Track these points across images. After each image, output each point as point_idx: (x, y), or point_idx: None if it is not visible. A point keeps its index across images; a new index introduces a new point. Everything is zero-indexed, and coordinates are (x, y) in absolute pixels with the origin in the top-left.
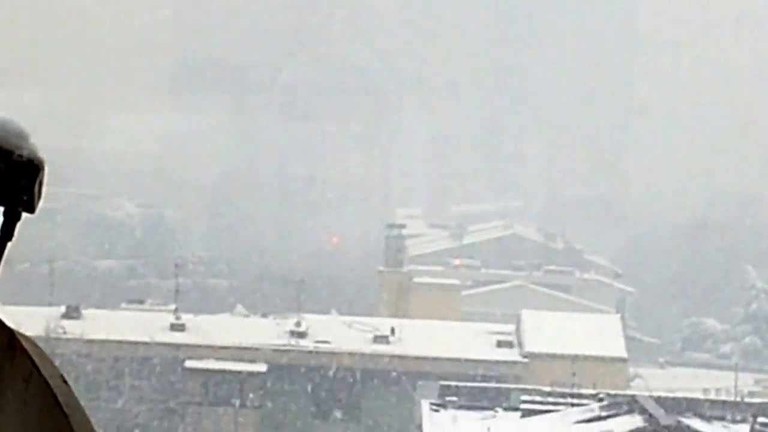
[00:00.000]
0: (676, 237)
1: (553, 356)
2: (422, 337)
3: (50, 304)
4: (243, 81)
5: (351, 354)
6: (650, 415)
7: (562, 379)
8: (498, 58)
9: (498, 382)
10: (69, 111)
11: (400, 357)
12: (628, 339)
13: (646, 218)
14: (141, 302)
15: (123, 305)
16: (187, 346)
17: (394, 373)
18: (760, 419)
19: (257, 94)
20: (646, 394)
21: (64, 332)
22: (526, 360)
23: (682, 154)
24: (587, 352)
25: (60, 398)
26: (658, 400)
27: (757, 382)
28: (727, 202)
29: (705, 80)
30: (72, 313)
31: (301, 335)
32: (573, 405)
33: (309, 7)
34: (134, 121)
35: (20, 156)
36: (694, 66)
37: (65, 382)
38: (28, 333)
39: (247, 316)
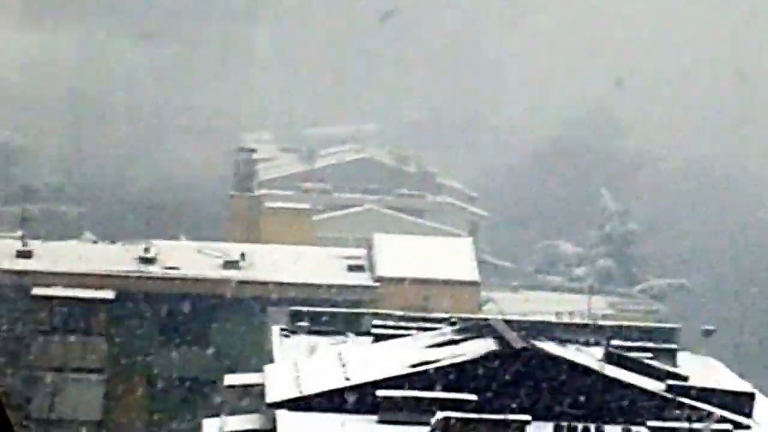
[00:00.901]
0: (531, 160)
1: (405, 280)
2: (273, 262)
3: None
4: (93, 3)
5: (200, 280)
6: (503, 339)
7: (414, 303)
8: None
9: (349, 306)
10: None
11: (251, 282)
12: (481, 263)
13: (500, 142)
14: None
15: None
16: (34, 272)
17: (244, 299)
18: (614, 342)
19: (107, 17)
20: (499, 317)
21: None
22: (377, 284)
23: (537, 77)
24: (440, 276)
25: None
26: (511, 324)
27: (610, 304)
28: (581, 125)
29: (552, 3)
30: None
31: (150, 261)
32: (425, 329)
33: None
34: None
35: None
36: None
37: None
38: None
39: (95, 242)
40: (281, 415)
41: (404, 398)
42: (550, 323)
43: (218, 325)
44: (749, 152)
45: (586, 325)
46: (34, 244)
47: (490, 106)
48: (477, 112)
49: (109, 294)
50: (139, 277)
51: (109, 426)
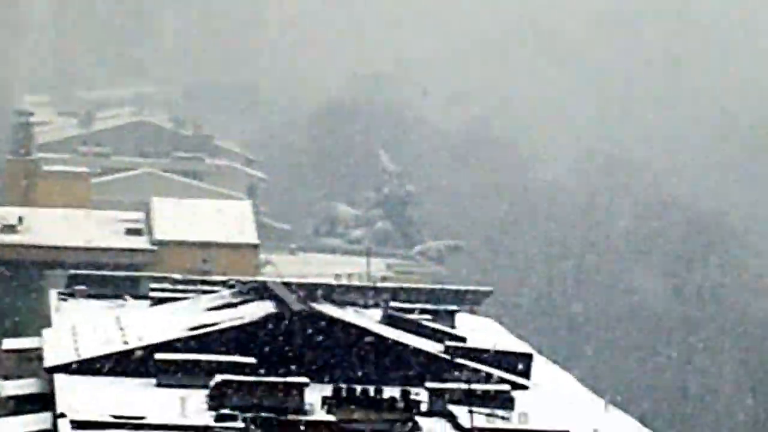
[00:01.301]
0: (309, 122)
1: (184, 243)
2: (51, 226)
3: None
4: None
5: None
6: (282, 302)
7: (192, 267)
8: None
9: (128, 270)
10: None
11: (28, 246)
12: (260, 225)
13: (279, 103)
14: None
15: None
16: None
17: (22, 263)
18: (393, 304)
19: None
20: (278, 280)
21: None
22: (155, 248)
23: (314, 40)
24: (218, 239)
25: None
26: (290, 286)
27: (389, 266)
28: (358, 87)
29: None
30: None
31: None
32: (204, 292)
33: None
34: None
35: None
36: None
37: None
38: None
39: None
40: (59, 379)
41: (182, 361)
42: (328, 285)
43: None
44: (524, 114)
45: (364, 287)
46: None
47: (268, 69)
48: (255, 76)
49: None
50: None
51: None
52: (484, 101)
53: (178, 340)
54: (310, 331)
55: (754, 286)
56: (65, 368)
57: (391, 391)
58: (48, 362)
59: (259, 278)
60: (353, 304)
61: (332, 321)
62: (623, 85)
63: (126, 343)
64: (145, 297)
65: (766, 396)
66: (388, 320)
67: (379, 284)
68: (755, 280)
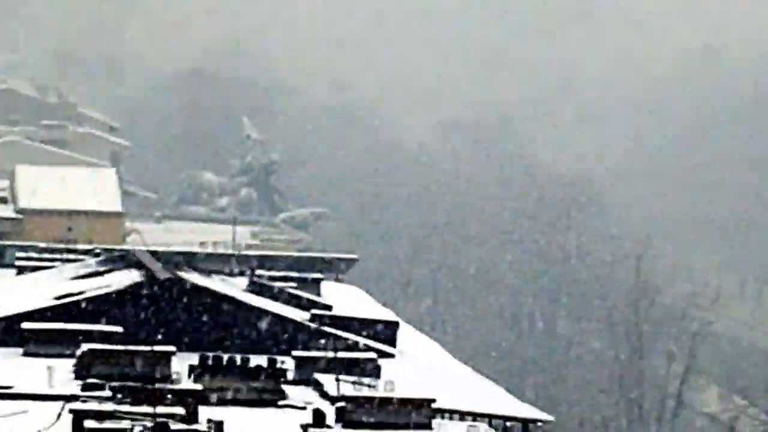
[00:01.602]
0: (173, 90)
1: (49, 212)
2: None
3: None
4: None
5: None
6: (147, 270)
7: (58, 235)
8: None
9: None
10: None
11: None
12: (125, 193)
13: (143, 71)
14: None
15: None
16: None
17: None
18: (258, 272)
19: None
20: (143, 248)
21: None
22: (20, 216)
23: (179, 11)
24: (83, 207)
25: None
26: (156, 255)
27: (253, 234)
28: (220, 54)
29: None
30: None
31: None
32: (69, 261)
33: None
34: None
35: None
36: None
37: None
38: None
39: None
40: None
41: (49, 331)
42: (194, 254)
43: None
44: (388, 84)
45: (230, 255)
46: None
47: (133, 38)
48: (120, 44)
49: None
50: None
51: None
52: (350, 71)
53: (45, 309)
54: (176, 299)
55: (616, 251)
56: None
57: (257, 360)
58: None
59: (125, 246)
60: (219, 272)
61: (198, 289)
62: (488, 52)
63: None
64: (10, 266)
65: (631, 359)
66: (254, 288)
67: (245, 252)
68: (617, 244)
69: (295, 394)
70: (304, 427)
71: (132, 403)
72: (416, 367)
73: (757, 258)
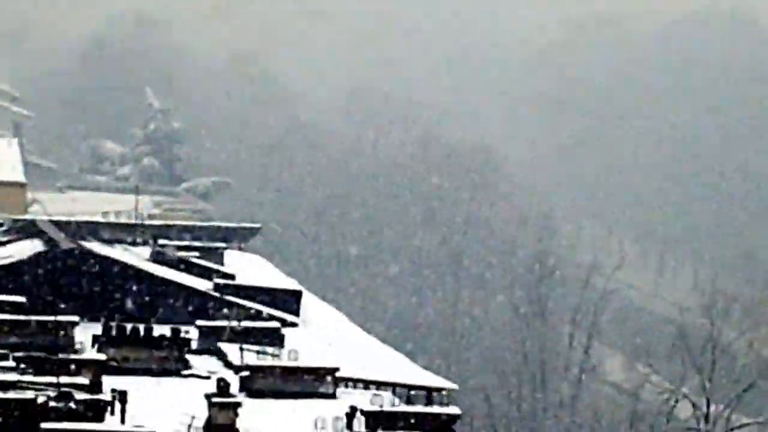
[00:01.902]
0: (75, 60)
1: None
2: None
3: None
4: None
5: None
6: (51, 240)
7: None
8: None
9: None
10: None
11: None
12: (27, 164)
13: (45, 41)
14: None
15: None
16: None
17: None
18: (161, 241)
19: None
20: (46, 218)
21: None
22: None
23: None
24: None
25: None
26: (58, 225)
27: (156, 204)
28: (123, 24)
29: None
30: None
31: None
32: None
33: None
34: None
35: None
36: None
37: None
38: None
39: None
40: None
41: None
42: (97, 223)
43: None
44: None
45: (133, 225)
46: None
47: (36, 9)
48: (23, 14)
49: None
50: None
51: None
52: (252, 41)
53: None
54: (79, 269)
55: (519, 220)
56: None
57: (161, 330)
58: None
59: (27, 217)
60: (122, 241)
61: (101, 259)
62: (385, 26)
63: None
64: None
65: (534, 327)
66: (157, 258)
67: (147, 222)
68: (521, 213)
69: (199, 363)
70: (208, 396)
71: (36, 373)
72: (320, 336)
73: (660, 228)
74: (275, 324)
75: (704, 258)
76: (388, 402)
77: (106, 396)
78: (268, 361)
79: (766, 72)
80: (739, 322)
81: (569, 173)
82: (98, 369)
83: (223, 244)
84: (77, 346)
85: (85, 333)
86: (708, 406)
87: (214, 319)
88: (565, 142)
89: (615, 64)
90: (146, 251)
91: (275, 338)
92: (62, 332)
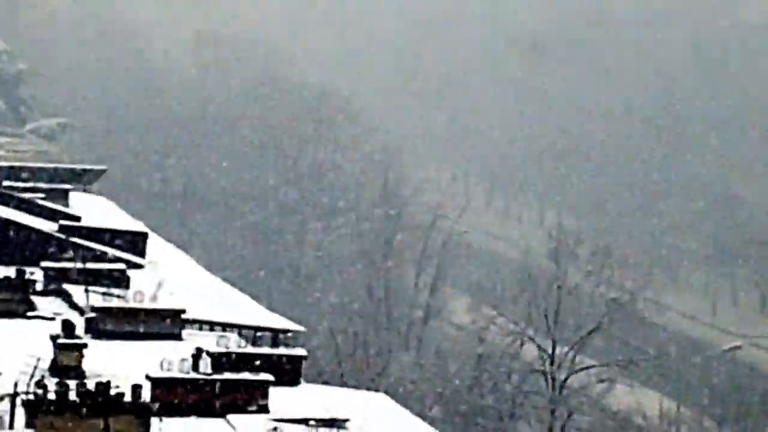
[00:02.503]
0: None
1: None
2: None
3: None
4: None
5: None
6: None
7: None
8: None
9: None
10: None
11: None
12: None
13: None
14: None
15: None
16: None
17: None
18: (5, 183)
19: None
20: None
21: None
22: None
23: None
24: None
25: None
26: None
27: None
28: None
29: None
30: None
31: None
32: None
33: None
34: None
35: None
36: None
37: None
38: None
39: None
40: None
41: None
42: None
43: None
44: None
45: None
46: None
47: None
48: None
49: None
50: None
51: None
52: None
53: None
54: None
55: (365, 164)
56: None
57: (5, 271)
58: None
59: None
60: None
61: None
62: None
63: None
64: None
65: (380, 269)
66: (1, 199)
67: None
68: (367, 157)
69: (44, 305)
70: (53, 337)
71: None
72: (166, 278)
73: (505, 171)
74: (121, 266)
75: (550, 201)
76: (234, 344)
77: None
78: (113, 303)
79: None
80: (584, 264)
81: (420, 119)
82: None
83: (68, 186)
84: None
85: None
86: (553, 349)
87: (59, 260)
88: (419, 88)
89: None
90: None
91: (121, 280)
92: None
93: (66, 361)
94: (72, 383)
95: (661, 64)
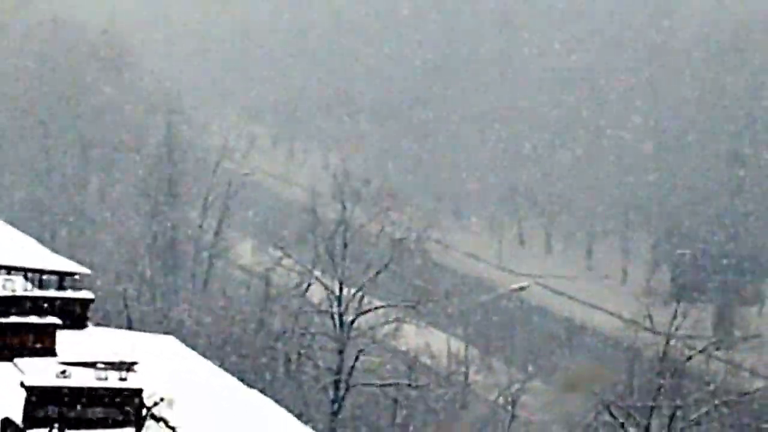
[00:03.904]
0: None
1: None
2: None
3: None
4: None
5: None
6: None
7: None
8: None
9: None
10: None
11: None
12: None
13: None
14: None
15: None
16: None
17: None
18: None
19: None
20: None
21: None
22: None
23: None
24: None
25: None
26: None
27: None
28: None
29: None
30: None
31: None
32: None
33: None
34: None
35: None
36: None
37: None
38: None
39: None
40: None
41: None
42: None
43: None
44: None
45: None
46: None
47: None
48: None
49: None
50: None
51: None
52: None
53: None
54: None
55: (148, 107)
56: None
57: None
58: None
59: None
60: None
61: None
62: None
63: None
64: None
65: (164, 211)
66: None
67: None
68: (150, 99)
69: None
70: None
71: None
72: None
73: (290, 117)
74: None
75: (334, 144)
76: (20, 287)
77: None
78: None
79: None
80: (370, 206)
81: (206, 63)
82: None
83: None
84: None
85: None
86: (340, 290)
87: None
88: (197, 28)
89: None
90: None
91: None
92: None
93: None
94: None
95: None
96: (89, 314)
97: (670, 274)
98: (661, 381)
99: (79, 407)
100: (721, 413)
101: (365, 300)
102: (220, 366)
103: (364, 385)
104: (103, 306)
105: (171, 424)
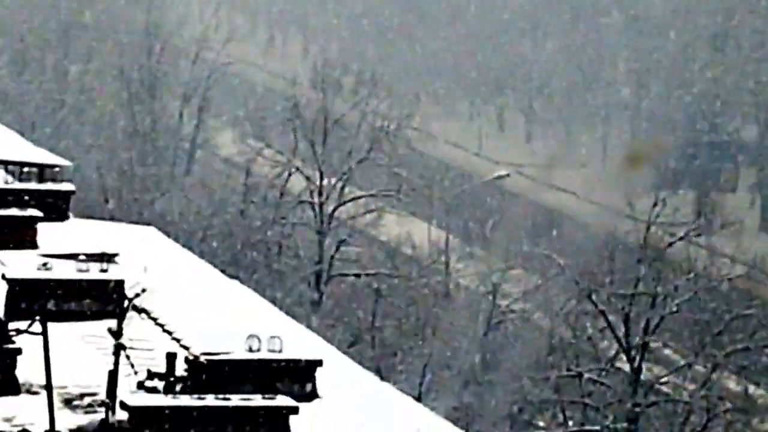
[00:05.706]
0: None
1: None
2: None
3: None
4: None
5: None
6: None
7: None
8: None
9: None
10: None
11: None
12: None
13: None
14: None
15: None
16: None
17: None
18: None
19: None
20: None
21: None
22: None
23: None
24: None
25: None
26: None
27: None
28: None
29: None
30: None
31: None
32: None
33: None
34: None
35: None
36: None
37: None
38: None
39: None
40: None
41: None
42: None
43: None
44: None
45: None
46: None
47: None
48: None
49: None
50: None
51: None
52: None
53: None
54: None
55: None
56: None
57: None
58: None
59: None
60: None
61: None
62: None
63: None
64: None
65: (144, 102)
66: None
67: None
68: None
69: None
70: None
71: None
72: None
73: (268, 4)
74: None
75: (314, 32)
76: (0, 180)
77: None
78: None
79: None
80: (350, 94)
81: None
82: None
83: None
84: None
85: None
86: (321, 179)
87: None
88: None
89: None
90: None
91: None
92: None
93: None
94: None
95: None
96: (70, 206)
97: (650, 161)
98: (642, 268)
99: (60, 299)
100: (702, 299)
101: (346, 189)
102: (200, 256)
103: (345, 275)
104: (85, 198)
105: (153, 314)
